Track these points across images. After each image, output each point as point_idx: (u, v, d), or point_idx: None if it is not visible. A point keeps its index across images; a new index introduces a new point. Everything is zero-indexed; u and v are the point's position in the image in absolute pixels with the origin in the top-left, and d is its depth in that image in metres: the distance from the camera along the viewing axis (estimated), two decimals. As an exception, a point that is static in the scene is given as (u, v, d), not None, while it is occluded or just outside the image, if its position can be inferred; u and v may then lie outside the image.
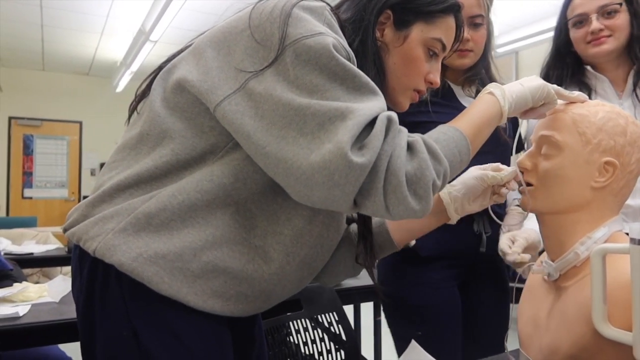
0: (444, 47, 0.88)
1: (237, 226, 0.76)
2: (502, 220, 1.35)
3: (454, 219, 0.95)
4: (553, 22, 1.58)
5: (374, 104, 0.69)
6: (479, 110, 0.82)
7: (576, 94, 0.85)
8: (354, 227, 0.99)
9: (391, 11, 0.84)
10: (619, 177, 0.80)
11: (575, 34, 1.42)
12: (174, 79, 0.78)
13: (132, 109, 0.88)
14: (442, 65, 0.94)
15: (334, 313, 1.32)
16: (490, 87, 0.84)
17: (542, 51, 1.60)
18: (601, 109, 0.83)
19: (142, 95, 0.87)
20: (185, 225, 0.73)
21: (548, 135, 0.84)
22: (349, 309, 1.77)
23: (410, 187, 0.68)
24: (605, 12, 1.37)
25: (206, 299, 0.74)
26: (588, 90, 1.42)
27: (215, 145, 0.75)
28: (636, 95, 1.35)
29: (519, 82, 0.85)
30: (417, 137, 0.72)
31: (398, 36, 0.85)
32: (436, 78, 0.88)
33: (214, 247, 0.74)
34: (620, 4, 1.36)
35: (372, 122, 0.67)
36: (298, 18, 0.71)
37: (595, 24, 1.36)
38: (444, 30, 0.87)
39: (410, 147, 0.70)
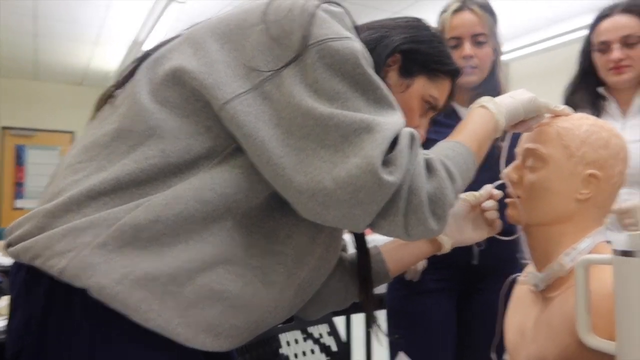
0: (435, 107, 0.88)
1: (233, 244, 0.66)
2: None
3: (446, 244, 0.93)
4: (544, 34, 1.63)
5: (397, 119, 0.66)
6: (478, 125, 0.81)
7: (561, 107, 0.87)
8: (345, 255, 0.95)
9: (400, 56, 0.84)
10: (602, 188, 0.82)
11: (598, 59, 1.47)
12: (167, 69, 0.69)
13: (104, 99, 0.76)
14: None
15: (325, 325, 1.32)
16: (483, 100, 0.85)
17: (533, 63, 1.65)
18: (585, 122, 0.84)
19: (119, 85, 0.76)
20: (179, 241, 0.63)
21: (533, 148, 0.86)
22: (340, 320, 1.77)
23: (430, 207, 0.65)
24: (628, 42, 1.42)
25: (198, 332, 0.63)
26: (598, 110, 1.49)
27: (212, 148, 0.67)
28: None
29: (509, 95, 0.86)
30: (432, 154, 0.69)
31: (401, 82, 0.84)
32: (423, 134, 0.88)
33: (211, 267, 0.64)
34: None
35: (395, 138, 0.64)
36: (323, 19, 0.67)
37: (617, 53, 1.42)
38: (441, 90, 0.87)
39: (428, 166, 0.67)
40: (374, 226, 0.66)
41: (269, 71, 0.66)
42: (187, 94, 0.67)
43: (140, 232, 0.61)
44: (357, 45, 0.67)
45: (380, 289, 1.39)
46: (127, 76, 0.75)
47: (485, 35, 1.37)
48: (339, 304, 0.94)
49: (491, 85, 1.39)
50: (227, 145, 0.67)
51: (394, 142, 0.64)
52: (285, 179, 0.63)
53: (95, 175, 0.66)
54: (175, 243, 0.63)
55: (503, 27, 1.47)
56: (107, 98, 0.76)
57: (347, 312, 2.09)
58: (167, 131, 0.66)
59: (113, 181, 0.64)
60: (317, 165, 0.61)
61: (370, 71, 0.66)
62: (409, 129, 0.66)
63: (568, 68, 1.61)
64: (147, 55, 0.75)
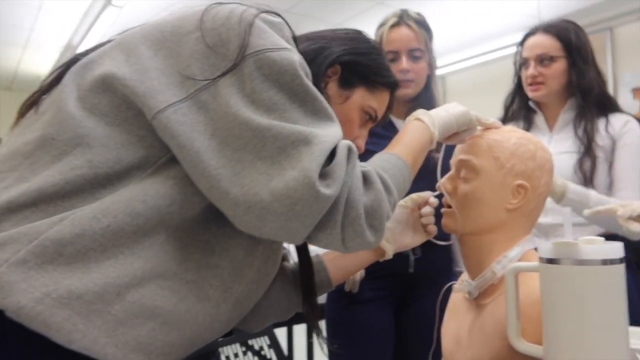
0: (375, 118, 0.89)
1: (167, 258, 0.64)
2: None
3: (389, 250, 0.95)
4: (479, 49, 1.72)
5: (334, 131, 0.66)
6: (413, 138, 0.83)
7: (492, 120, 0.90)
8: (287, 265, 0.95)
9: (340, 68, 0.84)
10: (530, 198, 0.86)
11: (522, 74, 1.57)
12: (96, 75, 0.66)
13: (27, 105, 0.72)
14: None
15: (266, 337, 1.30)
16: (418, 113, 0.86)
17: (468, 77, 1.73)
18: (514, 135, 0.88)
19: (44, 90, 0.72)
20: (107, 257, 0.60)
21: (466, 160, 0.88)
22: (282, 332, 1.75)
23: (367, 220, 0.65)
24: (542, 61, 1.50)
25: (127, 352, 0.60)
26: (529, 123, 1.58)
27: (145, 159, 0.64)
28: (578, 138, 1.47)
29: (443, 108, 0.89)
30: (369, 167, 0.70)
31: (340, 94, 0.85)
32: (362, 145, 0.89)
33: (142, 283, 0.61)
34: (553, 56, 1.49)
35: (333, 150, 0.64)
36: (261, 29, 0.66)
37: (532, 70, 1.51)
38: (380, 102, 0.89)
39: (365, 178, 0.67)
40: (312, 239, 0.65)
41: (205, 80, 0.64)
42: (118, 102, 0.65)
43: (64, 248, 0.58)
44: (295, 57, 0.66)
45: (320, 299, 1.39)
46: (53, 81, 0.72)
47: (421, 51, 1.42)
48: (281, 315, 0.93)
49: (426, 99, 1.44)
50: (161, 155, 0.65)
51: (332, 155, 0.64)
52: (220, 191, 0.62)
53: (15, 186, 0.62)
54: (102, 258, 0.60)
55: (440, 42, 1.52)
56: (31, 104, 0.72)
57: (289, 323, 2.07)
58: (96, 140, 0.64)
59: (35, 193, 0.61)
60: (253, 178, 0.60)
61: (308, 83, 0.66)
62: (346, 142, 0.67)
63: (501, 82, 1.69)
64: (75, 59, 0.72)
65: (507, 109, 1.65)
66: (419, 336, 1.45)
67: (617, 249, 0.63)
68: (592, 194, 1.24)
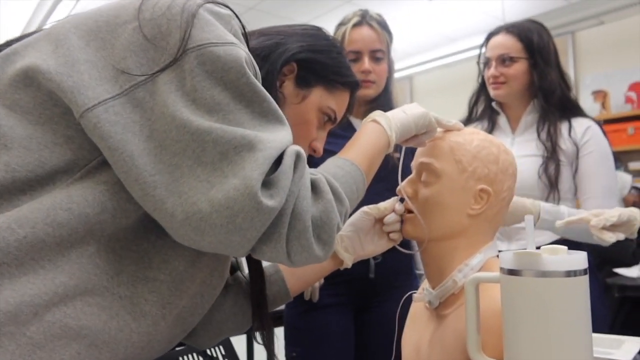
0: (334, 120, 0.85)
1: (97, 272, 0.58)
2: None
3: (347, 260, 0.90)
4: (446, 50, 1.73)
5: (282, 135, 0.60)
6: (369, 141, 0.78)
7: (453, 122, 0.87)
8: (241, 276, 0.89)
9: (297, 66, 0.80)
10: (492, 204, 0.82)
11: (485, 73, 1.56)
12: (17, 68, 0.59)
13: None
14: None
15: (220, 347, 1.24)
16: (375, 115, 0.82)
17: (435, 77, 1.72)
18: (476, 137, 0.84)
19: None
20: (24, 272, 0.53)
21: (427, 163, 0.84)
22: (241, 339, 1.69)
23: (315, 232, 0.61)
24: (503, 60, 1.49)
25: None
26: (492, 124, 1.57)
27: (73, 162, 0.58)
28: (541, 142, 1.45)
29: (401, 109, 0.84)
30: (319, 174, 0.65)
31: (297, 93, 0.80)
32: (320, 147, 0.85)
33: (65, 301, 0.55)
34: (513, 57, 1.48)
35: (280, 157, 0.59)
36: (205, 20, 0.60)
37: (493, 70, 1.50)
38: (339, 102, 0.85)
39: (314, 187, 0.63)
40: (256, 252, 0.60)
41: (142, 75, 0.58)
42: (43, 98, 0.58)
43: None
44: (241, 52, 0.60)
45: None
46: None
47: (383, 52, 1.41)
48: (236, 329, 0.87)
49: (386, 100, 1.43)
50: (91, 158, 0.59)
51: (279, 161, 0.58)
52: (156, 199, 0.56)
53: None
54: (18, 274, 0.53)
55: (408, 43, 1.51)
56: None
57: (249, 330, 2.01)
58: (15, 141, 0.57)
59: None
60: (192, 185, 0.55)
61: (256, 82, 0.61)
62: (295, 147, 0.61)
63: (468, 83, 1.68)
64: None
65: (471, 108, 1.64)
66: (380, 343, 1.41)
67: (580, 260, 0.60)
68: (562, 208, 1.22)
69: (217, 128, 0.56)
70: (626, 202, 3.34)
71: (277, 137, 0.59)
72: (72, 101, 0.57)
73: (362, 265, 1.33)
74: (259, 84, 0.61)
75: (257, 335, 0.85)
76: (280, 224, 0.58)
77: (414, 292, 0.90)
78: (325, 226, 0.62)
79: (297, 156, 0.61)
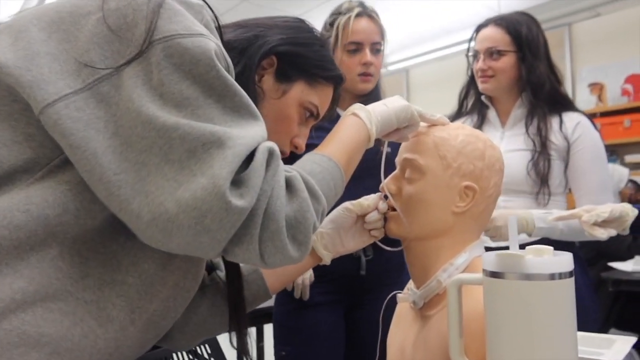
0: (317, 115, 0.81)
1: (59, 276, 0.55)
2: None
3: (326, 258, 0.87)
4: (442, 42, 1.70)
5: (255, 131, 0.58)
6: (348, 135, 0.75)
7: (437, 116, 0.84)
8: (219, 275, 0.86)
9: (277, 59, 0.76)
10: (478, 201, 0.80)
11: (474, 66, 1.53)
12: None
13: None
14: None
15: (206, 345, 1.22)
16: (355, 108, 0.79)
17: (431, 70, 1.70)
18: (461, 132, 0.82)
19: None
20: None
21: (411, 159, 0.82)
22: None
23: (290, 233, 0.58)
24: (491, 54, 1.46)
25: None
26: (482, 117, 1.54)
27: (33, 161, 0.56)
28: (531, 136, 1.42)
29: (382, 102, 0.81)
30: (294, 171, 0.63)
31: (277, 88, 0.77)
32: (302, 143, 0.81)
33: (23, 308, 0.53)
34: (501, 50, 1.45)
35: (251, 153, 0.56)
36: (173, 10, 0.57)
37: (481, 63, 1.48)
38: (322, 98, 0.81)
39: (289, 185, 0.60)
40: (227, 254, 0.58)
41: (107, 69, 0.55)
42: (2, 94, 0.56)
43: None
44: (211, 44, 0.57)
45: (268, 302, 1.32)
46: None
47: (381, 45, 1.39)
48: (215, 330, 0.84)
49: (377, 94, 1.41)
50: (53, 156, 0.56)
51: (251, 159, 0.55)
52: (121, 199, 0.53)
53: None
54: None
55: (404, 35, 1.48)
56: None
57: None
58: None
59: None
60: (159, 185, 0.52)
61: (227, 75, 0.58)
62: (268, 144, 0.58)
63: (464, 75, 1.65)
64: None
65: (461, 102, 1.61)
66: (370, 341, 1.39)
67: (566, 262, 0.57)
68: (553, 212, 1.20)
69: (184, 124, 0.53)
70: (622, 196, 3.32)
71: (249, 133, 0.57)
72: (31, 96, 0.54)
73: (353, 262, 1.31)
74: (230, 78, 0.58)
75: (233, 336, 0.82)
76: (252, 224, 0.55)
77: (399, 292, 0.87)
78: (300, 226, 0.59)
79: (270, 153, 0.58)
